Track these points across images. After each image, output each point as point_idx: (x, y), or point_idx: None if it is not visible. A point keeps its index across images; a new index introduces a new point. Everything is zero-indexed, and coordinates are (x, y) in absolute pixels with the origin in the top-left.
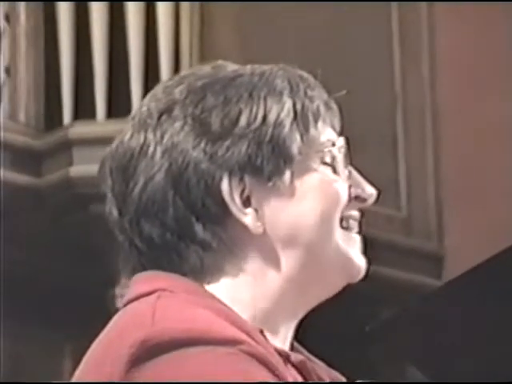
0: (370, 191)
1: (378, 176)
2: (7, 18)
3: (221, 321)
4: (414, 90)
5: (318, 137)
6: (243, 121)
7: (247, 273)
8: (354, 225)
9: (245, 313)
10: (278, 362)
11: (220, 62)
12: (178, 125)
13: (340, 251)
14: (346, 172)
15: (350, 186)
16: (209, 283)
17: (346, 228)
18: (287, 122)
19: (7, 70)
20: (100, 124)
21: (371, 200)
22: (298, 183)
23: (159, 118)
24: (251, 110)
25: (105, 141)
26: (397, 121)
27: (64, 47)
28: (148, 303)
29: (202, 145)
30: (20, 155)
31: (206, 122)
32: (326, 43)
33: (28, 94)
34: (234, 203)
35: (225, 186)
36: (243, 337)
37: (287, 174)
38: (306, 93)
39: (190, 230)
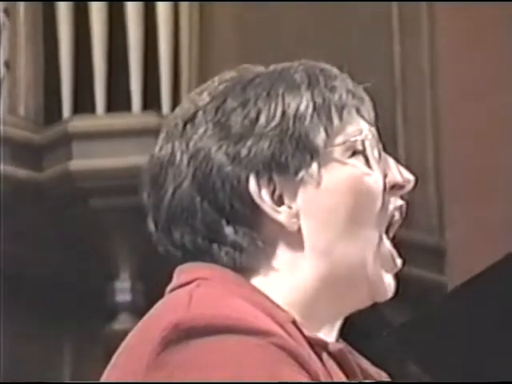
0: (407, 177)
1: None
2: (7, 12)
3: (255, 311)
4: (414, 88)
5: (344, 127)
6: (262, 119)
7: (280, 270)
8: (397, 219)
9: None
10: (309, 354)
11: (245, 65)
12: (201, 131)
13: (368, 267)
14: (380, 160)
15: (385, 176)
16: None
17: (388, 227)
18: (307, 115)
19: (7, 64)
20: (99, 118)
21: (409, 186)
22: (326, 177)
23: (184, 126)
24: (270, 108)
25: (104, 135)
26: (397, 117)
27: (63, 41)
28: (186, 291)
29: (224, 147)
30: (20, 149)
31: (226, 125)
32: (326, 42)
33: (27, 88)
34: (265, 202)
35: (252, 186)
36: (275, 329)
37: (314, 168)
38: (326, 84)
39: (220, 233)
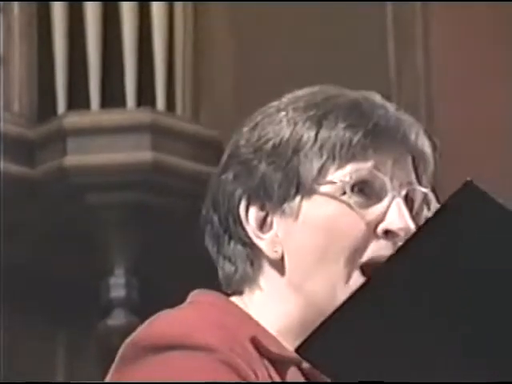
0: (401, 224)
1: None
2: (1, 9)
3: (211, 330)
4: (408, 89)
5: (343, 166)
6: (265, 145)
7: (267, 293)
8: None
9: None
10: (261, 369)
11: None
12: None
13: (336, 304)
14: (381, 205)
15: (377, 223)
16: (234, 295)
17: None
18: (306, 149)
19: (1, 60)
20: (94, 114)
21: (402, 234)
22: (307, 212)
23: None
24: (279, 135)
25: (99, 131)
26: None
27: (58, 37)
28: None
29: (232, 168)
30: (14, 145)
31: (237, 146)
32: (320, 37)
33: (22, 85)
34: (250, 226)
35: (242, 208)
36: (222, 346)
37: (296, 201)
38: (343, 120)
39: (222, 245)
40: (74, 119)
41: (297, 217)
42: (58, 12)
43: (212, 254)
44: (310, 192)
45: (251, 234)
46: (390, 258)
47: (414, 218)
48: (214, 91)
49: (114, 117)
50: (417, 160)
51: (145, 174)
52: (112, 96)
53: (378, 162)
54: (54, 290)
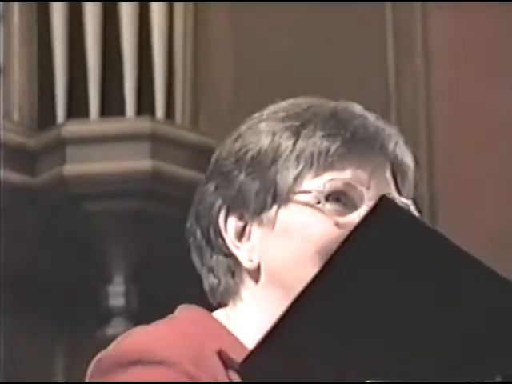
0: None
1: None
2: (1, 18)
3: (171, 343)
4: (407, 90)
5: (320, 174)
6: (245, 156)
7: (247, 304)
8: None
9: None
10: (225, 380)
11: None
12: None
13: None
14: (357, 212)
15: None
16: (220, 307)
17: None
18: (282, 158)
19: (1, 69)
20: (93, 123)
21: None
22: (283, 221)
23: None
24: (257, 145)
25: (98, 139)
26: (390, 120)
27: (57, 46)
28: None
29: (213, 179)
30: (14, 154)
31: (219, 158)
32: (319, 41)
33: (22, 93)
34: (228, 236)
35: (221, 218)
36: (184, 359)
37: (273, 210)
38: (321, 129)
39: (205, 257)
40: (74, 128)
41: (273, 226)
42: (58, 21)
43: (197, 267)
44: (286, 201)
45: (230, 244)
46: (317, 273)
47: None
48: (214, 100)
49: (113, 125)
50: (396, 170)
51: (144, 182)
52: (111, 105)
53: (356, 172)
54: (54, 298)
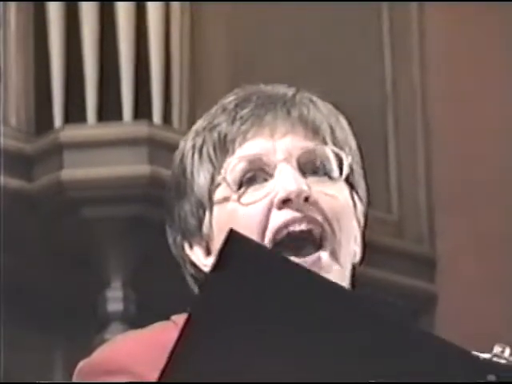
0: (289, 187)
1: (368, 179)
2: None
3: (142, 351)
4: (404, 92)
5: (221, 163)
6: (172, 184)
7: None
8: (290, 237)
9: None
10: None
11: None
12: None
13: None
14: (272, 180)
15: (269, 203)
16: None
17: (285, 247)
18: (191, 168)
19: None
20: (91, 127)
21: (293, 196)
22: (215, 223)
23: None
24: (173, 170)
25: (95, 144)
26: (388, 123)
27: (54, 51)
28: None
29: (167, 218)
30: (11, 159)
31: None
32: (316, 43)
33: (19, 98)
34: (199, 261)
35: (188, 251)
36: (149, 366)
37: (207, 219)
38: (209, 122)
39: (184, 267)
40: (71, 133)
41: (213, 231)
42: (54, 26)
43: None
44: (210, 204)
45: (202, 268)
46: (178, 337)
47: (332, 176)
48: (211, 104)
49: (110, 130)
50: (304, 125)
51: (142, 187)
52: (108, 109)
53: (257, 144)
54: (51, 303)
